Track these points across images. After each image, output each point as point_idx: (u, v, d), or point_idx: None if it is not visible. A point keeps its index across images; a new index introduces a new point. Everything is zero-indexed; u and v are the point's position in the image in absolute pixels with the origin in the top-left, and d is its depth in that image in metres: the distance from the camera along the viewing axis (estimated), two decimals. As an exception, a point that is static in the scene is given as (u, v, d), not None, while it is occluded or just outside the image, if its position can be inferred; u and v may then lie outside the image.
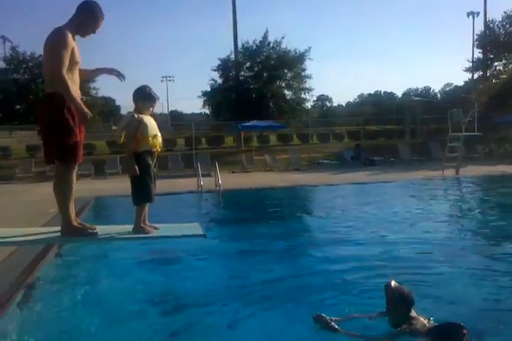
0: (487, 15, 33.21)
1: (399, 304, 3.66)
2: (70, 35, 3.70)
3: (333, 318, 3.88)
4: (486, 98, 28.78)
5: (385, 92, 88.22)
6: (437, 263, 5.97)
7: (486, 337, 3.79)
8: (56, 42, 3.67)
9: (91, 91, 38.13)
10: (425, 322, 3.67)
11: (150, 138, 4.27)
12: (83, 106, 3.69)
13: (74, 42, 3.78)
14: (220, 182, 13.35)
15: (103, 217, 10.48)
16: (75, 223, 3.90)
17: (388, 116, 39.01)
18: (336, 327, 3.77)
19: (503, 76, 32.49)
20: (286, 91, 34.68)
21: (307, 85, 34.26)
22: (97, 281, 5.67)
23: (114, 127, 38.89)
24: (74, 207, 4.03)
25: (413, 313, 3.69)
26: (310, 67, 34.85)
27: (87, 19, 3.85)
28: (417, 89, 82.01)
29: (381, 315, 3.88)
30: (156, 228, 4.35)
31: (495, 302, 4.68)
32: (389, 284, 3.76)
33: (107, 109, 51.27)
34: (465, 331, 3.40)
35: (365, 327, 3.86)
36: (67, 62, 3.64)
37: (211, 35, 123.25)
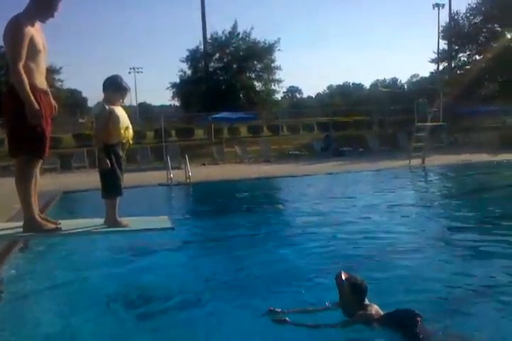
0: (452, 7, 34.01)
1: (352, 294, 3.67)
2: (24, 24, 3.51)
3: (286, 311, 3.86)
4: (451, 89, 29.43)
5: (353, 83, 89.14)
6: (399, 253, 6.12)
7: (441, 325, 3.89)
8: (8, 34, 3.51)
9: (56, 82, 37.04)
10: (379, 309, 3.70)
11: (122, 130, 4.19)
12: (34, 104, 3.52)
13: (34, 29, 3.57)
14: (190, 174, 13.29)
15: (70, 212, 10.28)
16: (37, 218, 3.82)
17: (357, 107, 39.46)
18: (288, 320, 3.73)
19: (467, 67, 33.25)
20: (256, 83, 34.54)
21: (277, 76, 34.26)
22: (62, 276, 5.57)
23: (81, 120, 38.05)
24: (37, 201, 3.94)
25: (366, 301, 3.72)
26: (279, 58, 34.82)
27: (42, 3, 3.66)
28: (385, 81, 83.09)
29: (335, 305, 3.89)
30: (126, 222, 4.32)
31: (454, 290, 4.81)
32: (339, 275, 3.76)
33: (73, 101, 50.03)
34: (418, 318, 3.47)
35: (320, 318, 3.87)
36: (22, 54, 3.48)
37: (180, 26, 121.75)
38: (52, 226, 3.88)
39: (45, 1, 3.67)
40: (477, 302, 4.43)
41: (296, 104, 70.46)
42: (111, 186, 4.26)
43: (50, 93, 3.83)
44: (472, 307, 4.33)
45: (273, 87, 34.67)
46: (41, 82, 3.68)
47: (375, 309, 3.68)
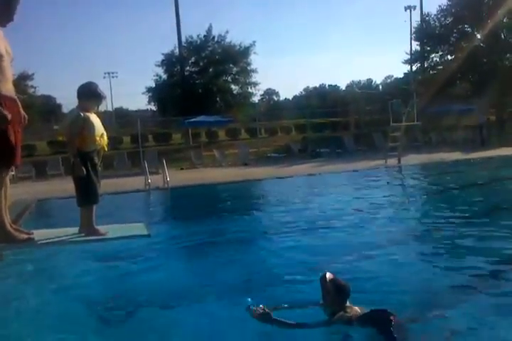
0: (423, 9, 34.67)
1: (336, 295, 3.71)
2: None
3: (266, 309, 3.82)
4: (424, 89, 29.95)
5: (329, 85, 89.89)
6: (376, 251, 6.19)
7: (420, 320, 3.96)
8: None
9: (29, 89, 36.44)
10: (359, 310, 3.73)
11: (97, 138, 4.15)
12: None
13: None
14: (168, 179, 13.21)
15: (45, 221, 10.10)
16: (9, 229, 3.74)
17: (333, 108, 39.85)
18: (272, 316, 3.72)
19: (439, 67, 33.89)
20: (232, 86, 34.56)
21: (253, 79, 34.37)
22: (37, 287, 5.48)
23: (55, 127, 37.47)
24: (9, 211, 3.86)
25: (348, 303, 3.76)
26: (256, 61, 34.89)
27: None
28: (360, 82, 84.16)
29: (317, 305, 3.93)
30: (103, 230, 4.28)
31: (431, 286, 4.89)
32: (324, 276, 3.80)
33: (47, 108, 49.23)
34: (392, 316, 3.54)
35: (301, 317, 3.87)
36: None
37: (154, 30, 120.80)
38: (25, 236, 3.80)
39: (2, 4, 3.55)
40: (454, 298, 4.51)
41: (273, 107, 70.68)
42: (87, 194, 4.22)
43: (18, 101, 3.73)
44: (449, 303, 4.40)
45: (250, 89, 34.79)
46: (7, 88, 3.56)
47: (354, 311, 3.72)
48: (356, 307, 3.76)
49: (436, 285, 4.90)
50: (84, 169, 4.03)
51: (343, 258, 5.82)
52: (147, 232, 4.23)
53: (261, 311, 3.75)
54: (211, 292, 4.97)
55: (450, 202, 10.13)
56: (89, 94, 4.18)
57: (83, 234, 4.28)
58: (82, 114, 4.07)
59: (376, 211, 9.02)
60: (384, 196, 11.04)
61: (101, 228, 4.32)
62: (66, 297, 5.05)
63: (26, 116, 3.81)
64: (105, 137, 4.29)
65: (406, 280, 5.06)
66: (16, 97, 3.71)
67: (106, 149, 4.37)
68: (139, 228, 4.44)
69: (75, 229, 4.32)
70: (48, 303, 4.88)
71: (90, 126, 4.10)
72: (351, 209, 9.24)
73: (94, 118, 4.18)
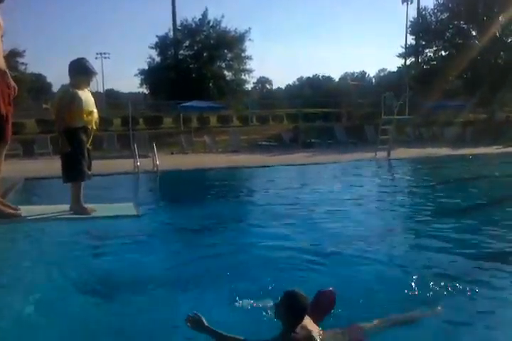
0: (420, 3, 34.56)
1: (284, 311, 3.09)
2: None
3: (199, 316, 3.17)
4: (416, 83, 29.99)
5: (323, 76, 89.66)
6: (363, 243, 6.24)
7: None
8: None
9: (19, 66, 35.78)
10: (314, 333, 3.14)
11: (85, 115, 4.12)
12: None
13: None
14: (157, 163, 13.16)
15: (32, 199, 10.03)
16: (-1, 205, 3.72)
17: (326, 99, 39.82)
18: (204, 323, 3.13)
19: (433, 62, 33.92)
20: (226, 72, 34.32)
21: (247, 66, 34.14)
22: (25, 263, 5.45)
23: (44, 105, 36.96)
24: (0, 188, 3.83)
25: (306, 322, 3.16)
26: (250, 48, 34.61)
27: None
28: (354, 74, 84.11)
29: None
30: (92, 209, 4.26)
31: (420, 279, 4.94)
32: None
33: (37, 86, 48.50)
34: None
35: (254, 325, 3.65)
36: None
37: (149, 11, 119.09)
38: (11, 211, 3.78)
39: None
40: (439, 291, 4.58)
41: (266, 95, 70.45)
42: (71, 170, 4.20)
43: (8, 73, 3.65)
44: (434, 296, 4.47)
45: (243, 76, 34.56)
46: None
47: (303, 335, 3.09)
48: (311, 330, 3.15)
49: (427, 276, 4.96)
50: (69, 145, 4.00)
51: (332, 249, 5.86)
52: (136, 213, 4.23)
53: (193, 318, 3.15)
54: (195, 277, 4.97)
55: (433, 196, 10.24)
56: (79, 70, 4.15)
57: (71, 212, 4.27)
58: (70, 90, 4.04)
59: (358, 203, 9.07)
60: (365, 189, 11.07)
61: (89, 207, 4.30)
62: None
63: (16, 86, 3.75)
64: (95, 115, 4.27)
65: (393, 272, 5.11)
66: (5, 70, 3.64)
67: (95, 127, 4.33)
68: (128, 208, 4.44)
69: (64, 207, 4.31)
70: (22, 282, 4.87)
71: (78, 101, 4.08)
72: (341, 201, 9.25)
73: (84, 95, 4.16)
